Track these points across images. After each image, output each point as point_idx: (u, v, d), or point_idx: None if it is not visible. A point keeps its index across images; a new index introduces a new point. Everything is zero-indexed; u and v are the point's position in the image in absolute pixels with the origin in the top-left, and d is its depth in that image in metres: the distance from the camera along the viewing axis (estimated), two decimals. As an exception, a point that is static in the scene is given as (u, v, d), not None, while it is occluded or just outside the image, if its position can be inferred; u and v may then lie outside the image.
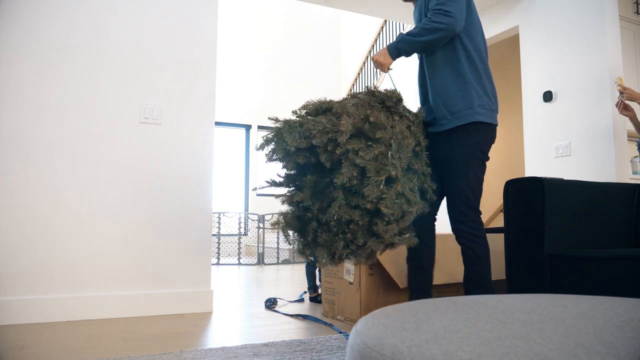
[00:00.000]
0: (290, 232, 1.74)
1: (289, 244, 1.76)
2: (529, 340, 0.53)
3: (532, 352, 0.50)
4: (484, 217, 6.11)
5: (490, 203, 6.13)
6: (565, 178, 1.91)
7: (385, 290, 2.26)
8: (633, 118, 2.99)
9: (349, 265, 2.29)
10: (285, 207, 1.79)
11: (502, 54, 6.03)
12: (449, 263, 2.33)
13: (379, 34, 7.02)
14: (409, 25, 5.91)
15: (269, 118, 1.80)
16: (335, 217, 1.54)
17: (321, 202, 1.62)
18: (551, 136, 3.86)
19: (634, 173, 3.55)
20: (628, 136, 3.56)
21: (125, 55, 2.56)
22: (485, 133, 1.87)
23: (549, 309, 0.68)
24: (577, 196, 1.86)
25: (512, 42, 5.27)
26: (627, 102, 2.95)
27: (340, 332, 2.02)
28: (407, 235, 1.60)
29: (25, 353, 1.69)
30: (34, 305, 2.25)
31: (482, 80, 1.89)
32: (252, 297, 3.20)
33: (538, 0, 4.04)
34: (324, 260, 1.63)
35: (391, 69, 1.96)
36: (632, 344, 0.52)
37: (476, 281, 1.87)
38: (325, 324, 2.22)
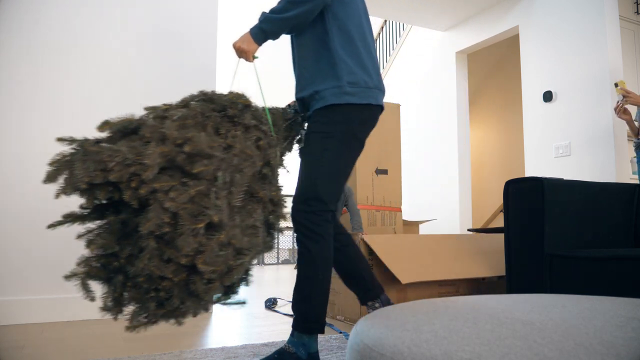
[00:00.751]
0: (97, 283, 1.30)
1: (91, 299, 1.27)
2: (529, 340, 0.53)
3: (532, 352, 0.50)
4: (484, 217, 6.11)
5: (490, 203, 6.13)
6: (565, 178, 1.91)
7: (385, 290, 2.26)
8: (630, 122, 3.00)
9: None
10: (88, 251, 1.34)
11: (502, 54, 6.03)
12: (446, 260, 2.33)
13: (379, 34, 7.02)
14: (409, 25, 5.92)
15: (57, 139, 1.28)
16: (145, 272, 1.19)
17: (132, 248, 1.23)
18: (551, 136, 3.86)
19: (634, 173, 3.55)
20: (627, 136, 3.56)
21: (125, 56, 2.56)
22: (357, 115, 1.56)
23: (549, 309, 0.68)
24: (577, 196, 1.86)
25: (512, 42, 5.27)
26: (627, 106, 2.96)
27: (340, 332, 2.02)
28: (235, 294, 1.30)
29: (25, 353, 1.69)
30: (34, 305, 2.25)
31: (359, 54, 1.58)
32: (252, 297, 3.19)
33: (538, 0, 4.04)
34: (138, 321, 1.26)
35: (257, 57, 1.65)
36: (632, 344, 0.52)
37: (305, 291, 1.49)
38: (326, 324, 2.22)
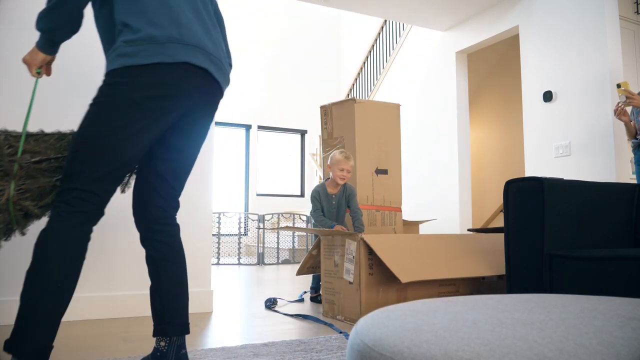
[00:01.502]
0: None
1: None
2: (529, 340, 0.53)
3: (532, 352, 0.50)
4: (484, 217, 6.11)
5: (490, 203, 6.13)
6: (565, 178, 1.91)
7: (385, 290, 2.26)
8: (627, 123, 2.99)
9: (348, 265, 2.29)
10: None
11: (502, 54, 6.03)
12: (446, 259, 2.34)
13: (379, 34, 7.02)
14: (408, 25, 5.92)
15: None
16: None
17: None
18: (551, 136, 3.86)
19: (634, 173, 3.55)
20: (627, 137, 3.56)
21: (125, 55, 2.56)
22: (138, 79, 1.25)
23: (549, 309, 0.68)
24: (577, 196, 1.86)
25: (512, 42, 5.28)
26: (627, 107, 2.95)
27: (341, 332, 2.02)
28: None
29: (25, 353, 1.69)
30: (34, 305, 2.25)
31: (145, 7, 1.27)
32: (252, 297, 3.19)
33: (538, 0, 4.04)
34: None
35: (39, 71, 1.41)
36: (632, 344, 0.52)
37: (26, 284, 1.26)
38: (325, 324, 2.22)
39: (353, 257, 2.26)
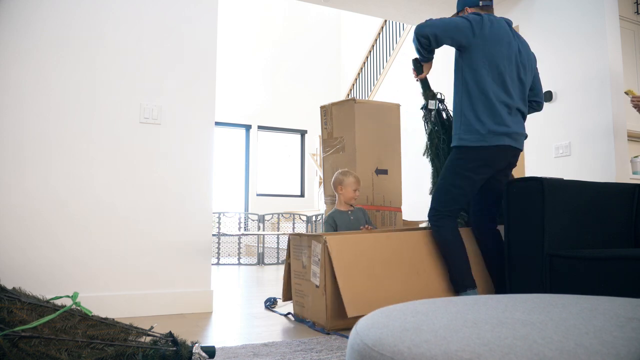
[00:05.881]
0: None
1: None
2: (529, 340, 0.53)
3: (532, 352, 0.50)
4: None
5: (490, 203, 6.12)
6: (565, 178, 1.91)
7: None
8: None
9: (315, 268, 2.17)
10: None
11: (502, 54, 6.02)
12: (427, 265, 2.33)
13: (379, 34, 7.02)
14: (408, 25, 5.91)
15: None
16: None
17: None
18: (551, 136, 3.86)
19: (634, 173, 3.55)
20: (628, 136, 3.56)
21: (125, 55, 2.56)
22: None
23: (549, 309, 0.68)
24: (577, 196, 1.86)
25: (512, 42, 5.26)
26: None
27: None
28: None
29: (25, 353, 1.69)
30: (34, 305, 2.24)
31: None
32: (252, 297, 3.19)
33: (538, 0, 4.04)
34: None
35: None
36: (632, 344, 0.52)
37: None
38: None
39: (319, 259, 2.13)
